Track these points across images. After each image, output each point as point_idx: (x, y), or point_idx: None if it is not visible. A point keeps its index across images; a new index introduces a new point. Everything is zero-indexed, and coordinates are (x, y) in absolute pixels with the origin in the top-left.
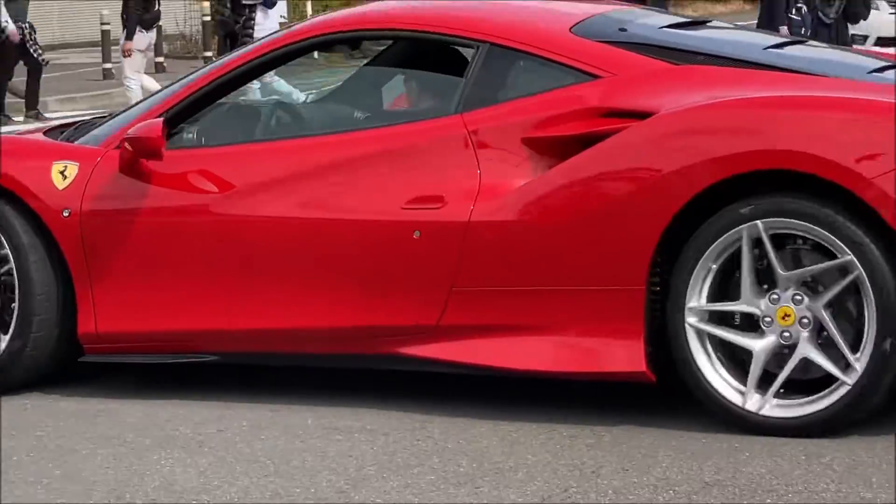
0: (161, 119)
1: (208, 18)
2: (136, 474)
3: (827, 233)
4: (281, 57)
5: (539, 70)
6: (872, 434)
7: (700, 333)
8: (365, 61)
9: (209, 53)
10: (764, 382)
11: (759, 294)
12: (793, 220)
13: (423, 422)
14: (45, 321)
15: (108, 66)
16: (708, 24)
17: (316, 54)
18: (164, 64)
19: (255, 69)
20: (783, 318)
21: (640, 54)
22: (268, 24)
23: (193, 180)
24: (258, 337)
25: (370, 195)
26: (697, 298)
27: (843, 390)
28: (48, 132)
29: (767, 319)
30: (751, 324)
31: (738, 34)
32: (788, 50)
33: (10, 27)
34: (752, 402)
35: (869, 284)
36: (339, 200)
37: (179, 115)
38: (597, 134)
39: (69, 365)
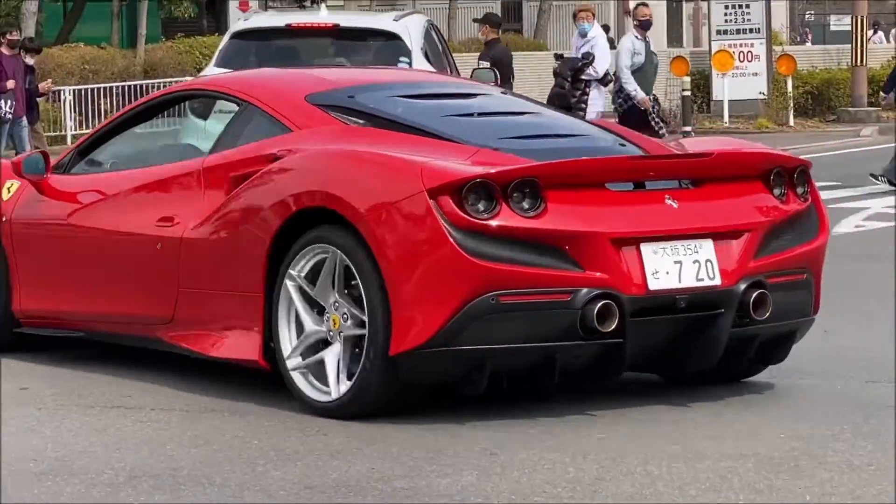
0: (38, 151)
1: (688, 93)
2: None
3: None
4: (149, 109)
5: (266, 125)
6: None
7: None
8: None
9: (688, 128)
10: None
11: (317, 321)
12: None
13: None
14: None
15: None
16: (477, 95)
17: None
18: None
19: (134, 118)
20: (335, 323)
21: (334, 116)
22: (600, 101)
23: (71, 198)
24: (90, 319)
25: (143, 214)
26: (299, 272)
27: (327, 398)
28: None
29: (331, 334)
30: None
31: (457, 105)
32: (468, 119)
33: (640, 95)
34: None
35: (368, 339)
36: (124, 218)
37: (88, 148)
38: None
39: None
